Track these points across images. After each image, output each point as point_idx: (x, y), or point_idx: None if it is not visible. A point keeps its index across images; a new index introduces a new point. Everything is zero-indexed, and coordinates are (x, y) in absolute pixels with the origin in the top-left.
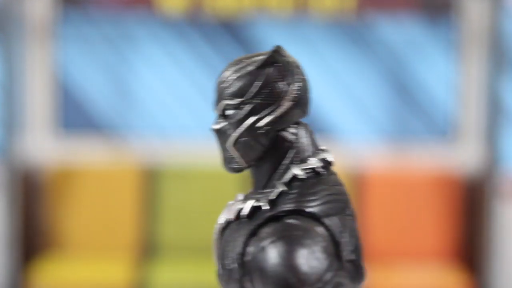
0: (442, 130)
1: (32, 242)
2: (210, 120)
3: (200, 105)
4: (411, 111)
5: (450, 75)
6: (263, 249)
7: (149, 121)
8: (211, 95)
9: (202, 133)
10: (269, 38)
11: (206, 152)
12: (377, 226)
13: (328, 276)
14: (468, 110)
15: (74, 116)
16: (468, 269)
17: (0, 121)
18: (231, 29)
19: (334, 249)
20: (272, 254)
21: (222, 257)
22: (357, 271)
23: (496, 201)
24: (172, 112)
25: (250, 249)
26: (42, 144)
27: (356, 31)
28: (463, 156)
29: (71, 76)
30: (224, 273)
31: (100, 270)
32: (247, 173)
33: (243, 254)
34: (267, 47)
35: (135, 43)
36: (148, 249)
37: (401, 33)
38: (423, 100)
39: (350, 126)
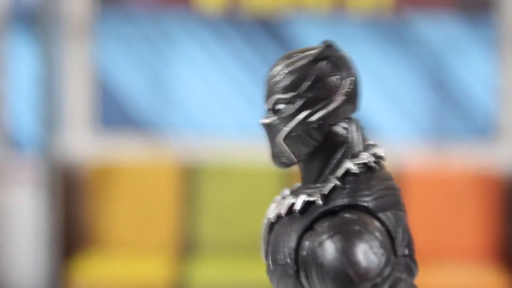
0: (481, 129)
1: (72, 239)
2: (248, 118)
3: (238, 103)
4: (450, 110)
5: (489, 73)
6: (321, 244)
7: (187, 118)
8: (249, 93)
9: (240, 130)
10: (306, 36)
11: (245, 150)
12: (416, 225)
13: (387, 271)
14: (507, 109)
15: (113, 113)
16: (508, 269)
17: (40, 119)
18: (268, 28)
19: (390, 244)
20: (331, 249)
21: (273, 252)
22: (411, 266)
23: None
24: (210, 110)
25: (306, 243)
26: (82, 141)
27: (394, 29)
28: (502, 155)
29: (110, 74)
30: (276, 269)
31: (139, 267)
32: (287, 170)
33: (297, 249)
34: (304, 45)
35: (173, 41)
36: (187, 247)
37: (440, 31)
38: (462, 99)
39: (389, 125)
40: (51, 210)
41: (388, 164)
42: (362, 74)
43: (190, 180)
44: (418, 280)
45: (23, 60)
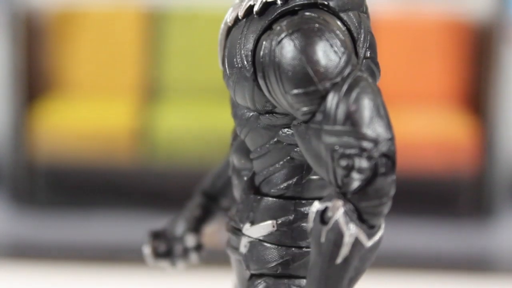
0: None
1: (35, 85)
2: None
3: None
4: None
5: None
6: (279, 42)
7: None
8: None
9: None
10: None
11: None
12: (383, 70)
13: (348, 70)
14: None
15: None
16: (474, 113)
17: None
18: None
19: (352, 44)
20: (289, 47)
21: (229, 56)
22: (373, 69)
23: (504, 47)
24: None
25: (264, 43)
26: None
27: None
28: (472, 1)
29: None
30: (233, 73)
31: (103, 112)
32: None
33: (254, 50)
34: None
35: None
36: (152, 92)
37: None
38: None
39: None
40: (13, 55)
41: None
42: None
43: (156, 24)
44: None
45: None
